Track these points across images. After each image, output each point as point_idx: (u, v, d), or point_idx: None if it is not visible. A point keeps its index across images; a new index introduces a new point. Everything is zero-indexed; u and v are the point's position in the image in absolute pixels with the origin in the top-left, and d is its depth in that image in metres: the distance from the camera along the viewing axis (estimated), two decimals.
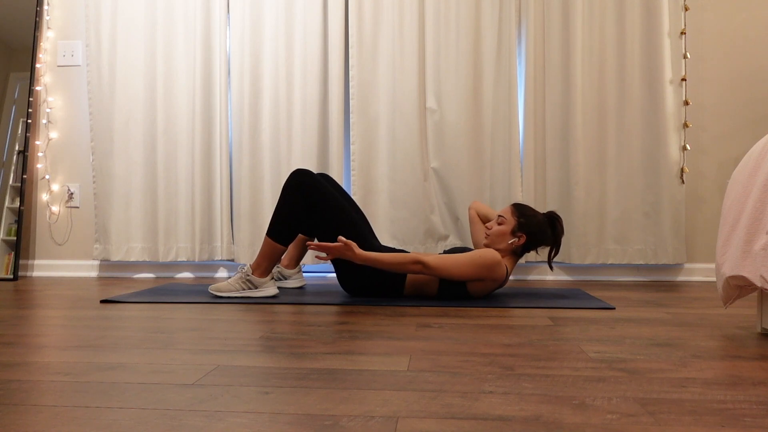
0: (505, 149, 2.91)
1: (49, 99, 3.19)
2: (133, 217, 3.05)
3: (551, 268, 2.30)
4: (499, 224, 2.23)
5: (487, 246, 2.26)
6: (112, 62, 3.04)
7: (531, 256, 2.95)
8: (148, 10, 3.03)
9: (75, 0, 3.18)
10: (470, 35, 2.92)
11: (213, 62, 3.03)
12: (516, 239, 2.21)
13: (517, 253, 2.26)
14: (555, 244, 2.26)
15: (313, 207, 2.23)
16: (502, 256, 2.24)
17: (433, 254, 2.36)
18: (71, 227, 3.19)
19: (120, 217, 3.04)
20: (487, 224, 2.30)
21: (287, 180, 2.26)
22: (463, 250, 2.27)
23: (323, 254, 2.15)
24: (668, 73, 2.84)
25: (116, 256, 3.03)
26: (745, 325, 1.74)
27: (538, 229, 2.21)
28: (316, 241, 2.10)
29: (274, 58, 2.98)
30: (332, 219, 2.22)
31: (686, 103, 2.88)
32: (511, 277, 3.02)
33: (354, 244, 2.09)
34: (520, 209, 2.25)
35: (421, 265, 2.09)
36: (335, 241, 2.21)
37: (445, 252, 2.28)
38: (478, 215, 2.48)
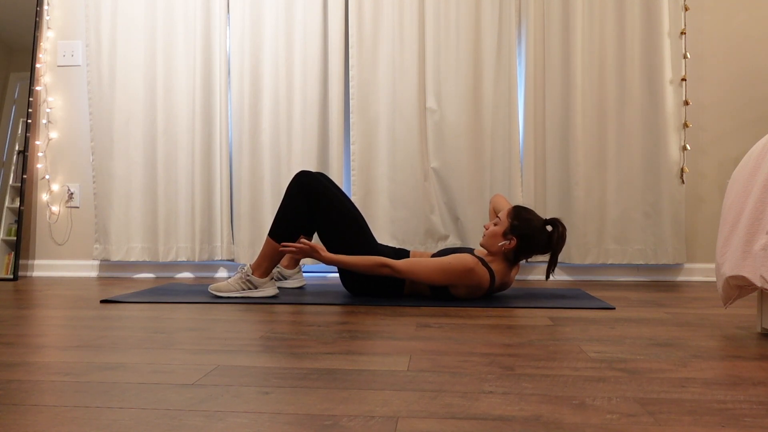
0: (505, 149, 2.91)
1: (49, 99, 3.19)
2: (133, 217, 3.05)
3: (547, 278, 2.17)
4: (494, 225, 2.18)
5: (482, 245, 2.22)
6: (112, 62, 3.04)
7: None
8: (148, 10, 3.03)
9: (75, 0, 3.18)
10: (470, 35, 2.92)
11: (213, 62, 3.03)
12: (507, 242, 2.13)
13: (509, 258, 2.17)
14: (552, 254, 2.13)
15: (316, 209, 2.23)
16: (493, 260, 2.18)
17: (425, 254, 2.36)
18: (71, 227, 3.19)
19: (120, 217, 3.04)
20: (486, 225, 2.24)
21: (291, 182, 2.26)
22: (453, 251, 2.23)
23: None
24: (668, 73, 2.84)
25: (116, 256, 3.03)
26: (745, 325, 1.74)
27: (530, 234, 2.11)
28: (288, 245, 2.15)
29: (274, 58, 2.98)
30: (336, 220, 2.22)
31: (686, 103, 2.88)
32: None
33: (320, 247, 2.12)
34: (517, 211, 2.15)
35: (389, 269, 2.08)
36: (338, 242, 2.22)
37: (440, 251, 2.27)
38: (495, 211, 2.39)
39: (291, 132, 2.99)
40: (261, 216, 2.99)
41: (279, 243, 2.22)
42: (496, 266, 2.18)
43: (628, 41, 2.87)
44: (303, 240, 2.13)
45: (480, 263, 2.10)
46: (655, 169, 2.86)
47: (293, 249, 2.13)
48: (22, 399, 1.05)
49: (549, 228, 2.21)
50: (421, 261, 2.10)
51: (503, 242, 2.15)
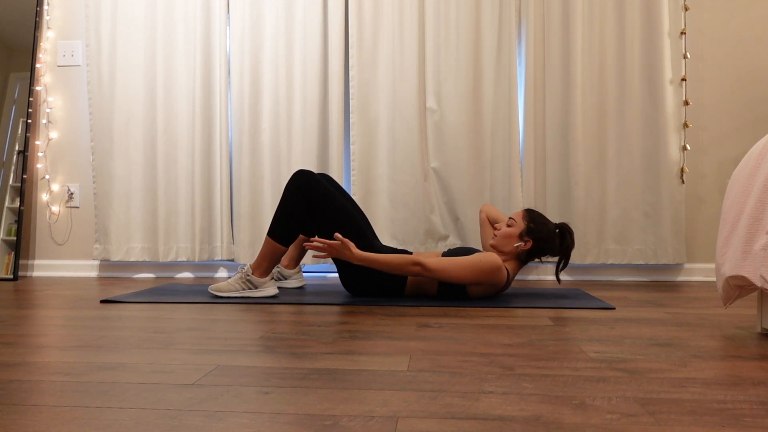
0: (505, 149, 2.91)
1: (49, 99, 3.19)
2: (133, 217, 3.05)
3: (558, 280, 2.27)
4: (509, 226, 2.23)
5: (493, 246, 2.25)
6: (112, 62, 3.04)
7: None
8: (148, 10, 3.03)
9: (75, 0, 3.18)
10: (470, 35, 2.92)
11: (213, 62, 3.03)
12: (522, 243, 2.20)
13: (521, 258, 2.25)
14: (563, 256, 2.24)
15: (314, 207, 2.23)
16: (506, 260, 2.23)
17: (433, 255, 2.36)
18: (71, 227, 3.19)
19: (120, 217, 3.04)
20: (496, 225, 2.29)
21: (289, 181, 2.26)
22: (468, 251, 2.25)
23: (321, 253, 2.15)
24: (668, 73, 2.84)
25: (116, 256, 3.03)
26: (745, 325, 1.74)
27: (546, 237, 2.20)
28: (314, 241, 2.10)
29: (274, 58, 2.98)
30: (334, 219, 2.22)
31: (686, 103, 2.88)
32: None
33: (351, 244, 2.08)
34: (531, 214, 2.24)
35: (420, 267, 2.07)
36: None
37: (450, 251, 2.28)
38: (488, 219, 2.46)
39: (291, 132, 2.99)
40: (261, 216, 2.99)
41: (278, 242, 2.22)
42: (509, 265, 2.23)
43: (628, 41, 2.87)
44: (336, 235, 2.07)
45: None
46: (655, 169, 2.86)
47: (321, 245, 2.07)
48: (22, 399, 1.05)
49: (557, 231, 2.26)
50: (450, 259, 2.11)
51: (519, 243, 2.20)
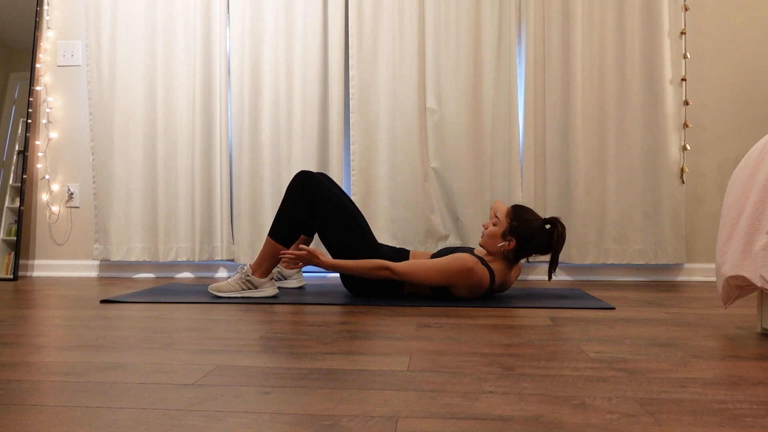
0: (505, 149, 2.91)
1: (49, 99, 3.19)
2: (133, 217, 3.05)
3: (550, 278, 2.19)
4: (494, 225, 2.17)
5: (481, 245, 2.22)
6: (112, 62, 3.04)
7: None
8: (148, 10, 3.03)
9: (75, 0, 3.18)
10: (470, 35, 2.92)
11: (213, 62, 3.03)
12: (506, 243, 2.13)
13: (509, 258, 2.17)
14: (553, 254, 2.13)
15: (316, 207, 2.23)
16: (493, 260, 2.18)
17: (425, 255, 2.35)
18: (71, 227, 3.19)
19: (120, 217, 3.04)
20: (485, 224, 2.23)
21: (291, 182, 2.27)
22: (452, 251, 2.22)
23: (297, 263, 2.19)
24: (668, 73, 2.84)
25: (116, 256, 3.03)
26: (745, 325, 1.74)
27: (529, 235, 2.10)
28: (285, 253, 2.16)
29: (274, 58, 2.98)
30: (337, 220, 2.23)
31: (686, 103, 2.88)
32: None
33: (320, 252, 2.13)
34: (516, 211, 2.14)
35: (389, 272, 2.09)
36: (338, 242, 2.22)
37: (440, 251, 2.27)
38: (495, 215, 2.40)
39: (291, 132, 2.99)
40: (261, 216, 2.99)
41: (279, 243, 2.23)
42: (496, 266, 2.17)
43: (628, 41, 2.87)
44: (301, 246, 2.13)
45: (479, 262, 2.09)
46: (655, 169, 2.86)
47: (292, 257, 2.14)
48: (22, 399, 1.05)
49: (548, 227, 2.20)
50: (420, 262, 2.10)
51: (502, 243, 2.14)
